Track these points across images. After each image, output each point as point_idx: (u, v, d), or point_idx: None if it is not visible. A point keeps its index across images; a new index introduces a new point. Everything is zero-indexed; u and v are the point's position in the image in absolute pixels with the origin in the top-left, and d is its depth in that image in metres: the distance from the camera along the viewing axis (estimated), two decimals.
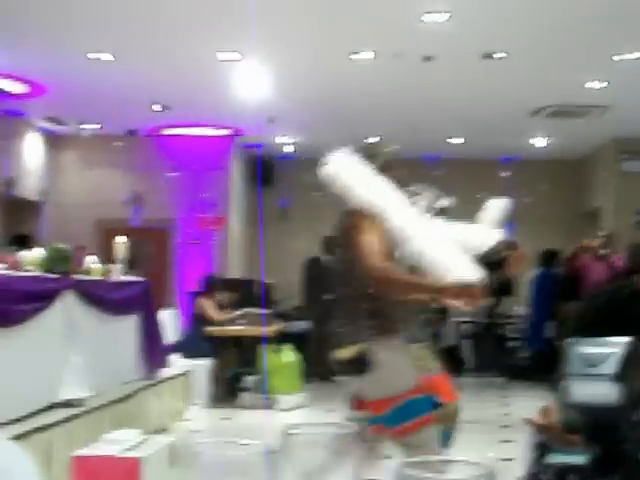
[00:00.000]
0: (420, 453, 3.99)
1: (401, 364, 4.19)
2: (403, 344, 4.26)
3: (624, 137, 14.04)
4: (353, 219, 4.20)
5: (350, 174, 4.24)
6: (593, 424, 1.82)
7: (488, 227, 5.17)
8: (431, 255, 3.98)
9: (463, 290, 3.88)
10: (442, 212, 6.32)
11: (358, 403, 4.31)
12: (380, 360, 4.10)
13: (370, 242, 4.03)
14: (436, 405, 4.32)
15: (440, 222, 5.52)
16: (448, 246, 4.08)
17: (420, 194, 5.86)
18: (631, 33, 9.16)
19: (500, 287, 12.97)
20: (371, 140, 4.81)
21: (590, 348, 3.72)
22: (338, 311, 4.31)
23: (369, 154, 4.41)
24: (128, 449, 5.24)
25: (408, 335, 4.34)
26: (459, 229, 4.85)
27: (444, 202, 6.41)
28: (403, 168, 4.51)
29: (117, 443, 5.30)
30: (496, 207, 5.50)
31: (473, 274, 3.92)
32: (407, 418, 4.12)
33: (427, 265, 3.98)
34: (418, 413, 4.12)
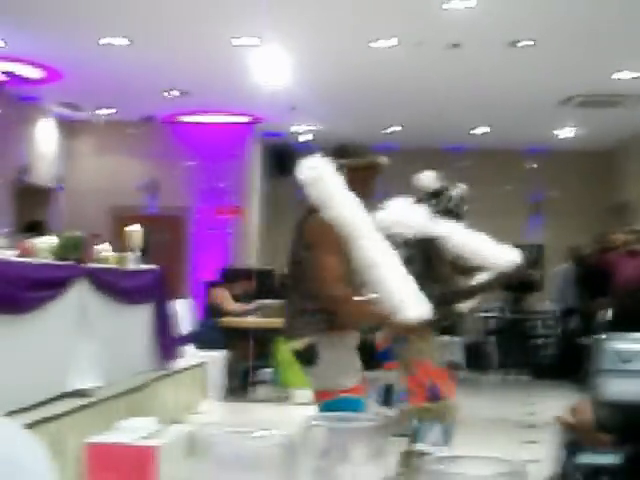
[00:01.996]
0: None
1: (343, 362, 4.27)
2: (353, 342, 4.35)
3: None
4: (316, 229, 4.21)
5: (326, 186, 4.24)
6: (626, 422, 1.69)
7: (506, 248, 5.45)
8: (386, 290, 4.12)
9: (406, 328, 4.26)
10: (460, 204, 6.21)
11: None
12: (325, 354, 4.20)
13: (331, 266, 4.14)
14: (435, 397, 4.65)
15: (463, 229, 5.54)
16: (402, 283, 4.20)
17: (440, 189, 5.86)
18: None
19: (524, 283, 12.78)
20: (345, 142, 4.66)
21: (624, 343, 3.52)
22: (288, 300, 4.45)
23: (349, 151, 4.47)
24: (144, 438, 5.12)
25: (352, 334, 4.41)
26: (480, 244, 5.29)
27: (458, 193, 6.31)
28: (376, 180, 4.53)
29: (132, 431, 5.20)
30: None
31: (418, 315, 4.14)
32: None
33: (381, 297, 4.13)
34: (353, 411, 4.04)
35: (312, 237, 4.23)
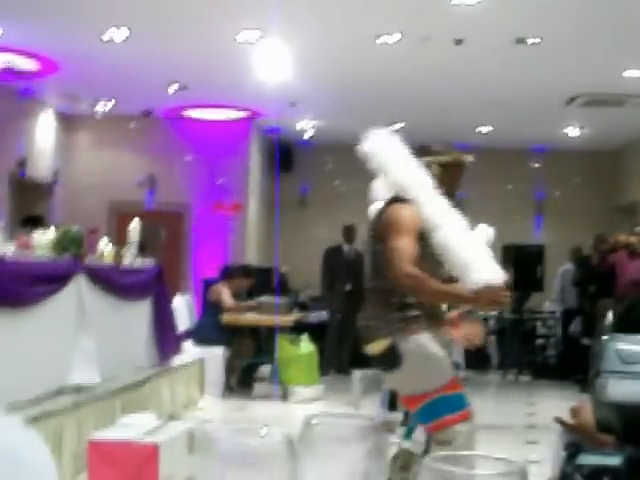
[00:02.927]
0: (451, 450, 3.81)
1: (434, 360, 4.10)
2: (435, 339, 4.17)
3: None
4: (389, 213, 4.18)
5: (388, 153, 4.20)
6: (628, 423, 1.63)
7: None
8: (456, 251, 3.97)
9: (491, 296, 3.91)
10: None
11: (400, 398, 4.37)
12: (411, 355, 4.05)
13: (402, 247, 3.99)
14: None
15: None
16: (473, 243, 4.06)
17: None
18: None
19: (528, 281, 12.71)
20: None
21: (628, 345, 3.43)
22: (367, 303, 4.30)
23: (436, 150, 4.42)
24: (146, 434, 5.09)
25: (440, 330, 4.26)
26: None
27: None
28: (462, 177, 4.51)
29: (134, 427, 5.16)
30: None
31: (497, 276, 3.93)
32: (438, 415, 4.03)
33: (451, 260, 3.98)
34: (449, 411, 4.03)
35: (383, 226, 4.15)
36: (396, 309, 4.10)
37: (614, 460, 1.65)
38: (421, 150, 4.34)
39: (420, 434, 5.54)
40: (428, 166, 4.25)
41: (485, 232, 5.81)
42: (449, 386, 4.05)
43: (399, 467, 4.59)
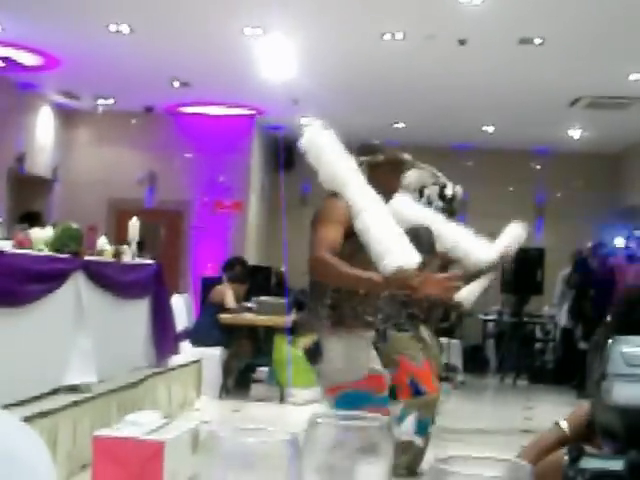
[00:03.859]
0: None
1: (351, 356, 4.23)
2: (359, 337, 4.28)
3: None
4: (320, 206, 4.29)
5: (322, 148, 4.28)
6: (634, 427, 1.58)
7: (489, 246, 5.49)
8: (372, 237, 3.98)
9: (403, 280, 3.93)
10: (451, 201, 6.20)
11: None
12: (330, 351, 4.19)
13: (321, 235, 4.06)
14: (418, 392, 4.72)
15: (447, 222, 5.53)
16: (391, 229, 4.07)
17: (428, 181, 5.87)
18: None
19: (528, 285, 12.66)
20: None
21: (634, 347, 3.34)
22: (308, 301, 4.50)
23: (372, 149, 4.51)
24: (151, 432, 5.08)
25: (371, 327, 4.37)
26: (462, 237, 5.29)
27: (450, 191, 6.31)
28: (400, 176, 4.58)
29: (139, 425, 5.15)
30: (513, 234, 5.75)
31: (409, 261, 3.92)
32: (348, 407, 4.03)
33: (369, 244, 3.99)
34: (358, 405, 4.05)
35: (315, 216, 4.22)
36: (326, 306, 4.18)
37: (617, 464, 1.62)
38: (358, 150, 4.44)
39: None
40: (360, 165, 4.32)
41: (517, 230, 5.92)
42: (363, 383, 4.17)
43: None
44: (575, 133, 14.03)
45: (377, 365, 4.40)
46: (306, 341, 4.33)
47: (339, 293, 4.18)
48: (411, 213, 5.79)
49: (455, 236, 6.02)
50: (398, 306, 5.96)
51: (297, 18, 9.10)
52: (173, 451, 5.06)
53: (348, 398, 4.13)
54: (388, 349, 5.78)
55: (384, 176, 4.38)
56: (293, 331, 10.64)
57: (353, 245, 4.06)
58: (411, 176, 6.23)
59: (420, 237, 5.59)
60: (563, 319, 12.89)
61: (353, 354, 4.25)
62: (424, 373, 5.99)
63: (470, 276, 6.28)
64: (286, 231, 14.70)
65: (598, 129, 13.75)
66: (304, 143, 4.32)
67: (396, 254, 3.91)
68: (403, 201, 5.73)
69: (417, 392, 5.82)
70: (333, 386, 4.22)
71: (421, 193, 6.49)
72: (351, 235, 4.08)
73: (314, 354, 4.24)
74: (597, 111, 12.27)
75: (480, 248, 5.97)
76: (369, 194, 4.18)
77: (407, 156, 4.52)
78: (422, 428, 5.87)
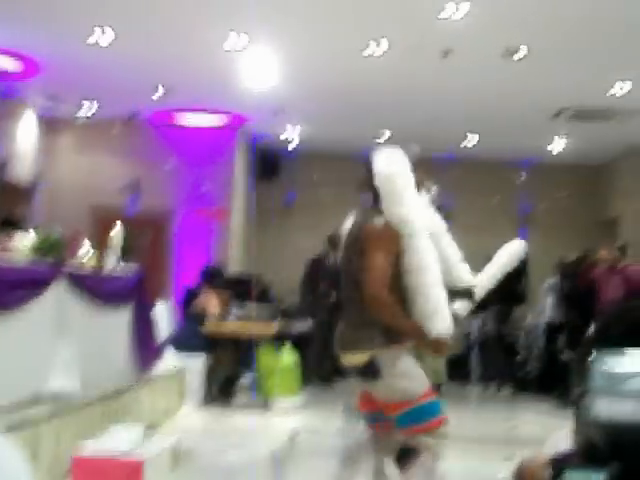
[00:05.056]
0: (421, 454, 4.22)
1: (413, 371, 4.31)
2: (411, 351, 4.38)
3: None
4: (372, 228, 4.28)
5: (401, 182, 4.30)
6: (616, 444, 1.58)
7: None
8: (427, 298, 4.24)
9: (434, 345, 4.28)
10: (441, 214, 6.17)
11: (366, 403, 4.44)
12: (392, 367, 4.23)
13: (380, 267, 4.17)
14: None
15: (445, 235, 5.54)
16: (442, 294, 4.30)
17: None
18: None
19: (512, 294, 12.66)
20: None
21: (615, 363, 3.33)
22: (346, 313, 4.44)
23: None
24: (130, 449, 5.02)
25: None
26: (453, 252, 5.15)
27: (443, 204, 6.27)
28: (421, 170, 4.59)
29: (119, 440, 5.08)
30: (510, 254, 5.66)
31: (447, 331, 4.27)
32: (417, 420, 4.25)
33: (417, 305, 4.24)
34: (427, 417, 4.27)
35: (368, 241, 4.25)
36: (376, 323, 4.21)
37: (598, 477, 1.61)
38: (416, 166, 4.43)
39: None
40: (419, 183, 4.42)
41: (517, 247, 5.90)
42: (425, 395, 4.26)
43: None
44: (559, 144, 14.09)
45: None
46: (357, 358, 4.26)
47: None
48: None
49: (447, 249, 5.96)
50: None
51: (281, 27, 9.12)
52: (153, 468, 5.01)
53: (422, 410, 4.23)
54: None
55: (418, 174, 4.45)
56: (277, 340, 10.62)
57: (392, 270, 4.20)
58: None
59: None
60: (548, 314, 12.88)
61: (416, 367, 4.33)
62: None
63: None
64: (269, 240, 14.69)
65: (581, 140, 13.81)
66: (381, 170, 4.31)
67: (442, 321, 4.24)
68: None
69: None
70: (402, 401, 4.23)
71: None
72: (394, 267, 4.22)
73: (371, 371, 4.23)
74: (580, 122, 12.34)
75: (464, 269, 5.93)
76: (432, 249, 4.33)
77: (416, 148, 4.56)
78: None
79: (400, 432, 4.32)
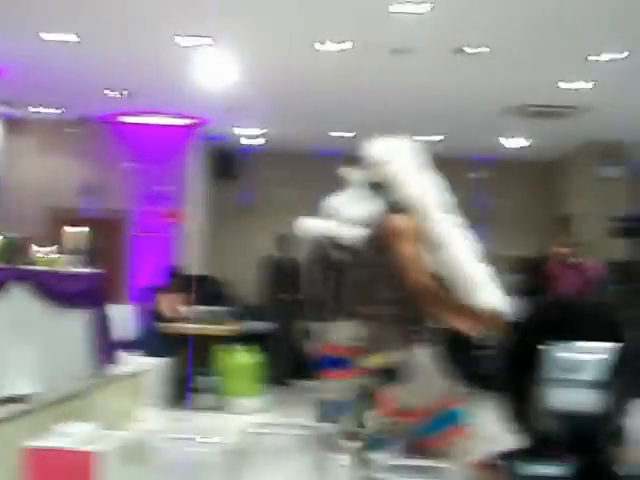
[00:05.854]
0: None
1: (436, 374, 4.20)
2: (434, 353, 4.24)
3: (601, 141, 13.88)
4: (392, 223, 4.14)
5: (406, 164, 4.26)
6: (569, 432, 1.64)
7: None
8: (463, 271, 4.03)
9: (495, 319, 4.07)
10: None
11: (392, 410, 4.26)
12: (418, 368, 4.11)
13: (414, 255, 4.02)
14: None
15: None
16: (480, 266, 4.10)
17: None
18: (611, 34, 9.01)
19: None
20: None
21: (568, 353, 3.43)
22: (362, 317, 4.25)
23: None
24: (83, 443, 4.98)
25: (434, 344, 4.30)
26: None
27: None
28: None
29: (72, 436, 5.04)
30: None
31: (503, 303, 4.05)
32: (441, 428, 4.10)
33: (457, 280, 4.03)
34: (451, 424, 4.12)
35: (391, 236, 4.11)
36: (403, 322, 4.12)
37: (556, 470, 1.65)
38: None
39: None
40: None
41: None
42: (450, 401, 4.15)
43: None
44: (512, 142, 14.20)
45: None
46: (378, 360, 4.13)
47: (416, 309, 4.11)
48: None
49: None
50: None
51: (237, 28, 9.11)
52: (106, 462, 4.98)
53: (451, 415, 4.10)
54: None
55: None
56: (237, 341, 10.62)
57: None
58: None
59: None
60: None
61: (435, 370, 4.20)
62: None
63: None
64: (227, 240, 14.68)
65: (535, 137, 13.93)
66: (386, 155, 4.26)
67: (491, 293, 4.03)
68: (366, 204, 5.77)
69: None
70: (432, 404, 4.10)
71: (373, 187, 6.41)
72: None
73: (395, 373, 4.09)
74: (533, 120, 12.43)
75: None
76: (452, 225, 4.20)
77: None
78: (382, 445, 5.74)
79: (427, 443, 4.11)
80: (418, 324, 4.11)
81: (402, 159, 4.24)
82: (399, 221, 4.12)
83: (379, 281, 4.20)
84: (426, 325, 4.13)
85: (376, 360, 4.14)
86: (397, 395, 4.15)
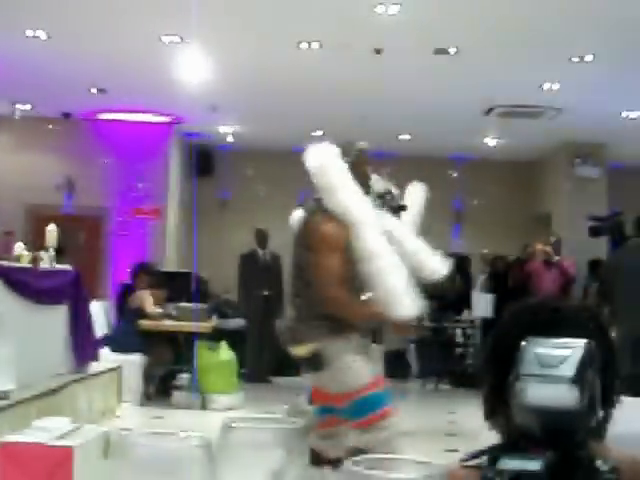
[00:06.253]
0: (379, 447, 4.16)
1: (358, 362, 4.31)
2: (359, 343, 4.39)
3: (578, 141, 13.96)
4: (319, 226, 4.30)
5: (334, 174, 4.32)
6: (548, 427, 1.67)
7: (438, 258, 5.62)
8: (384, 284, 4.23)
9: (402, 325, 4.40)
10: (399, 210, 6.22)
11: (316, 395, 4.62)
12: (337, 358, 4.26)
13: (330, 265, 4.19)
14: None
15: (404, 231, 5.56)
16: (401, 277, 4.31)
17: (386, 191, 5.86)
18: (586, 35, 9.05)
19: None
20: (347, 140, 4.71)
21: (547, 348, 3.45)
22: (292, 306, 4.53)
23: (343, 151, 4.46)
24: (59, 437, 4.97)
25: (363, 335, 4.50)
26: (416, 248, 5.29)
27: (400, 200, 6.34)
28: (368, 165, 4.62)
29: (47, 431, 5.02)
30: None
31: (413, 312, 4.31)
32: (368, 411, 4.28)
33: (378, 291, 4.25)
34: (370, 409, 4.27)
35: (314, 238, 4.28)
36: (321, 316, 4.26)
37: (534, 465, 1.68)
38: (342, 150, 4.43)
39: None
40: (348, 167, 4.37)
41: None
42: (370, 386, 4.29)
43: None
44: (491, 141, 14.26)
45: (377, 365, 4.63)
46: (302, 350, 4.33)
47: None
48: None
49: (414, 247, 6.00)
50: None
51: (215, 25, 9.11)
52: (83, 456, 4.96)
53: (370, 400, 4.26)
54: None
55: (362, 170, 4.47)
56: (214, 337, 10.60)
57: (346, 266, 4.23)
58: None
59: None
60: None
61: (361, 358, 4.35)
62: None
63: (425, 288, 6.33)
64: (205, 237, 14.68)
65: (513, 137, 14.00)
66: (312, 166, 4.33)
67: (402, 305, 4.25)
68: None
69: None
70: (349, 391, 4.28)
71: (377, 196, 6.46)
72: (344, 255, 4.24)
73: (316, 362, 4.29)
74: (511, 119, 12.50)
75: (435, 261, 5.98)
76: (381, 238, 4.33)
77: (364, 144, 4.62)
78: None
79: (350, 426, 4.35)
80: (333, 318, 4.26)
81: (332, 169, 4.31)
82: (327, 227, 4.26)
83: (299, 277, 4.40)
84: (341, 320, 4.28)
85: (300, 350, 4.35)
86: (318, 382, 4.43)
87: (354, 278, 4.26)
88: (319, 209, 4.34)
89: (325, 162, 4.33)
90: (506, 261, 13.25)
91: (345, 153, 4.44)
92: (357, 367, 4.31)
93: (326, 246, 4.22)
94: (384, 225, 5.79)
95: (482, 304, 13.01)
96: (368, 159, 4.62)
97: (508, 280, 12.62)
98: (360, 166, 4.48)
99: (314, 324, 4.29)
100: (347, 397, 4.29)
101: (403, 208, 6.16)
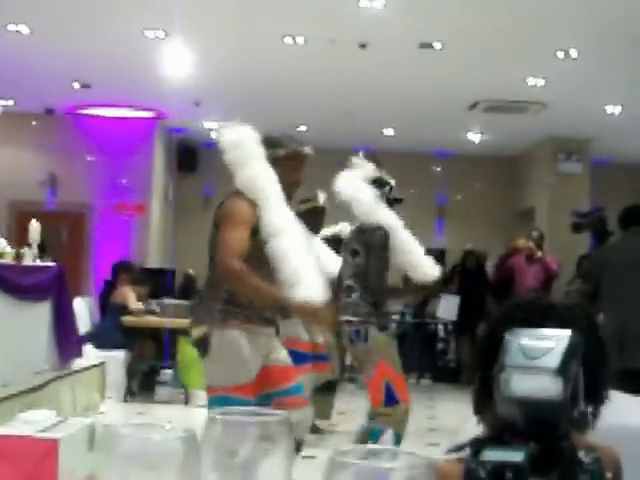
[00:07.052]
0: None
1: (234, 359, 4.10)
2: (256, 333, 4.18)
3: (561, 136, 13.98)
4: (227, 203, 4.21)
5: (245, 151, 4.24)
6: (532, 418, 1.67)
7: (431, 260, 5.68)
8: (287, 264, 3.99)
9: (306, 311, 4.01)
10: (396, 202, 6.22)
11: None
12: (217, 348, 4.09)
13: (231, 238, 4.04)
14: (391, 400, 4.71)
15: (400, 226, 5.53)
16: (305, 259, 4.07)
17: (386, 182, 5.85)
18: (571, 31, 9.06)
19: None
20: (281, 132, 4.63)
21: (532, 340, 3.46)
22: (203, 291, 4.46)
23: (272, 143, 4.35)
24: (44, 430, 4.92)
25: (270, 323, 4.31)
26: (410, 247, 5.39)
27: (396, 193, 6.33)
28: (299, 173, 4.43)
29: (32, 423, 4.97)
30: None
31: (317, 296, 3.97)
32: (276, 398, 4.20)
33: (281, 271, 3.99)
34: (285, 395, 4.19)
35: (221, 215, 4.17)
36: (220, 300, 4.12)
37: (517, 456, 1.68)
38: (264, 142, 4.33)
39: None
40: (268, 160, 4.27)
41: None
42: (236, 389, 4.06)
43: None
44: (475, 136, 14.27)
45: (280, 354, 4.32)
46: (196, 332, 4.16)
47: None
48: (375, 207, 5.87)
49: (409, 245, 5.99)
50: (371, 305, 5.80)
51: (198, 20, 9.08)
52: (68, 448, 4.95)
53: (219, 402, 4.02)
54: (368, 349, 5.73)
55: (286, 170, 4.31)
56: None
57: (256, 247, 4.06)
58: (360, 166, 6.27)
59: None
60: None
61: (241, 354, 4.12)
62: (401, 381, 5.84)
63: (414, 288, 6.32)
64: (189, 233, 14.64)
65: (497, 132, 14.02)
66: (224, 143, 4.26)
67: (306, 287, 3.95)
68: (372, 198, 5.93)
69: (390, 399, 5.64)
70: (211, 386, 4.16)
71: (373, 183, 6.43)
72: (254, 236, 4.08)
73: (203, 347, 4.12)
74: (495, 115, 12.51)
75: (428, 263, 5.97)
76: (287, 214, 4.18)
77: (308, 150, 4.44)
78: (397, 442, 5.68)
79: None
80: (232, 305, 4.11)
81: (242, 148, 4.24)
82: (233, 203, 4.17)
83: (210, 258, 4.29)
84: (242, 309, 4.11)
85: (194, 332, 4.18)
86: (206, 369, 4.21)
87: (264, 261, 4.04)
88: (234, 190, 4.25)
89: (237, 139, 4.25)
90: (477, 257, 13.27)
91: (271, 145, 4.33)
92: (231, 363, 4.11)
93: (228, 220, 4.11)
94: (382, 218, 5.82)
95: (448, 306, 12.94)
96: (301, 166, 4.42)
97: (483, 277, 12.69)
98: (285, 166, 4.32)
99: (210, 306, 4.15)
100: (209, 391, 4.19)
101: (399, 201, 6.16)
